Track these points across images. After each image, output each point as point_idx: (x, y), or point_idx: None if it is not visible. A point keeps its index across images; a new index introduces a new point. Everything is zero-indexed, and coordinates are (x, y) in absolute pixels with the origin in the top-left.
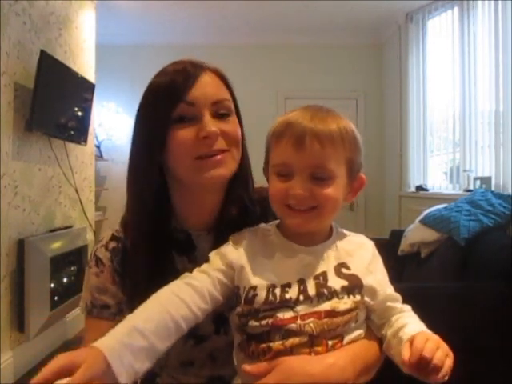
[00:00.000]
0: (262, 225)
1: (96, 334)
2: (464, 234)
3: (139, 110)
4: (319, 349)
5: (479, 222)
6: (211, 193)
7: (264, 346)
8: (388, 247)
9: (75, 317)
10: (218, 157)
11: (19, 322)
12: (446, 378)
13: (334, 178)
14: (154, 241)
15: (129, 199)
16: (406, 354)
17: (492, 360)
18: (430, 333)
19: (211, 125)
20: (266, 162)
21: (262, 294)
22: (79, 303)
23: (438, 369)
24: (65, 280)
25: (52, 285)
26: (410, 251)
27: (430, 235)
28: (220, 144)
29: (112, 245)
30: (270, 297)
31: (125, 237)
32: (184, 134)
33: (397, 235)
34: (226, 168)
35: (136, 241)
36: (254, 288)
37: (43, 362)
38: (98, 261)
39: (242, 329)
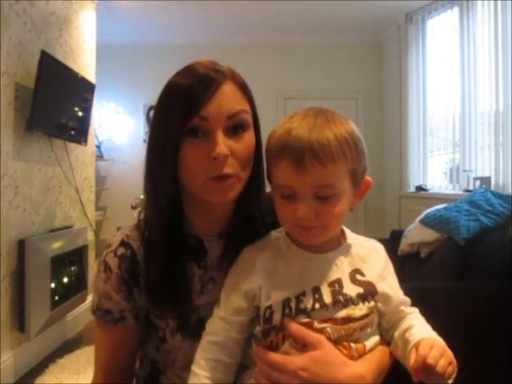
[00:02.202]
0: (273, 233)
1: (100, 333)
2: (464, 234)
3: (156, 110)
4: (342, 349)
5: (479, 221)
6: (220, 206)
7: (285, 332)
8: (388, 247)
9: (75, 316)
10: (228, 181)
11: (19, 321)
12: (451, 382)
13: (338, 195)
14: (168, 243)
15: (146, 202)
16: (412, 360)
17: (492, 360)
18: (435, 339)
19: (222, 145)
20: (268, 173)
21: (278, 312)
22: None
23: (440, 376)
24: (65, 280)
25: (52, 285)
26: (409, 251)
27: (429, 235)
28: (229, 167)
29: (121, 251)
30: (287, 310)
31: (142, 239)
32: (194, 152)
33: (397, 235)
34: (233, 192)
35: (152, 244)
36: (270, 307)
37: (44, 362)
38: (107, 267)
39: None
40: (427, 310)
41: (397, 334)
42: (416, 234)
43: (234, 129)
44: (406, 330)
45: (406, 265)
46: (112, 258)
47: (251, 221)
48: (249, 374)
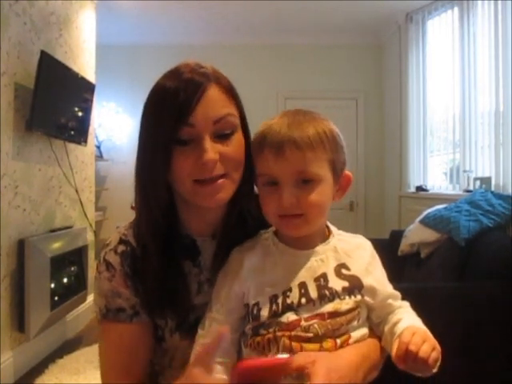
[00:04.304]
0: (261, 233)
1: (113, 336)
2: (464, 234)
3: (144, 116)
4: (328, 345)
5: (479, 222)
6: (213, 209)
7: (270, 336)
8: (388, 247)
9: (75, 317)
10: (218, 182)
11: (19, 322)
12: (435, 370)
13: (319, 181)
14: (162, 245)
15: (137, 207)
16: (394, 348)
17: (491, 359)
18: (417, 326)
19: (210, 150)
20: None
21: (265, 308)
22: (93, 309)
23: (424, 361)
24: (65, 280)
25: (52, 285)
26: (409, 251)
27: (429, 235)
28: (219, 169)
29: (121, 248)
30: (274, 307)
31: (135, 240)
32: (183, 158)
33: (397, 235)
34: (224, 193)
35: (146, 246)
36: (257, 304)
37: (43, 362)
38: (109, 265)
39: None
40: (427, 310)
41: (386, 328)
42: (416, 234)
43: (222, 132)
44: (394, 324)
45: (406, 265)
46: (113, 255)
47: (242, 222)
48: None
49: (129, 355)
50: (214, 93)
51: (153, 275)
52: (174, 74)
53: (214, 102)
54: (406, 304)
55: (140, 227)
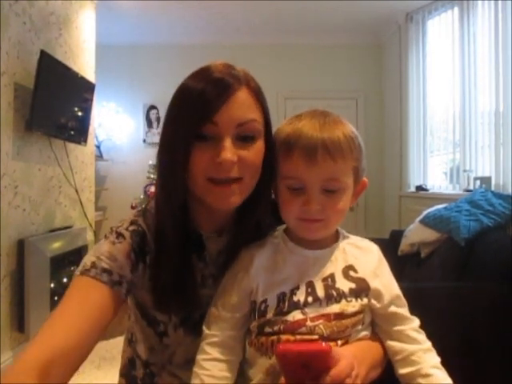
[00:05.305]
0: (271, 232)
1: (83, 291)
2: (464, 234)
3: (168, 113)
4: (333, 344)
5: (479, 221)
6: (223, 210)
7: (274, 337)
8: (388, 247)
9: None
10: (231, 186)
11: (19, 321)
12: None
13: (343, 189)
14: (181, 238)
15: (157, 201)
16: None
17: (491, 360)
18: None
19: (229, 151)
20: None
21: (272, 305)
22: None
23: None
24: (65, 280)
25: (52, 285)
26: (409, 251)
27: (429, 235)
28: (235, 172)
29: (132, 227)
30: (281, 304)
31: (146, 226)
32: (201, 154)
33: (397, 235)
34: (236, 198)
35: (165, 236)
36: (265, 301)
37: None
38: (119, 235)
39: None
40: (427, 310)
41: (410, 370)
42: (416, 234)
43: (244, 137)
44: (422, 375)
45: (406, 265)
46: (124, 231)
47: (257, 227)
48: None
49: (88, 315)
50: (243, 96)
51: (166, 269)
52: (203, 74)
53: (241, 105)
54: (416, 324)
55: (159, 218)
